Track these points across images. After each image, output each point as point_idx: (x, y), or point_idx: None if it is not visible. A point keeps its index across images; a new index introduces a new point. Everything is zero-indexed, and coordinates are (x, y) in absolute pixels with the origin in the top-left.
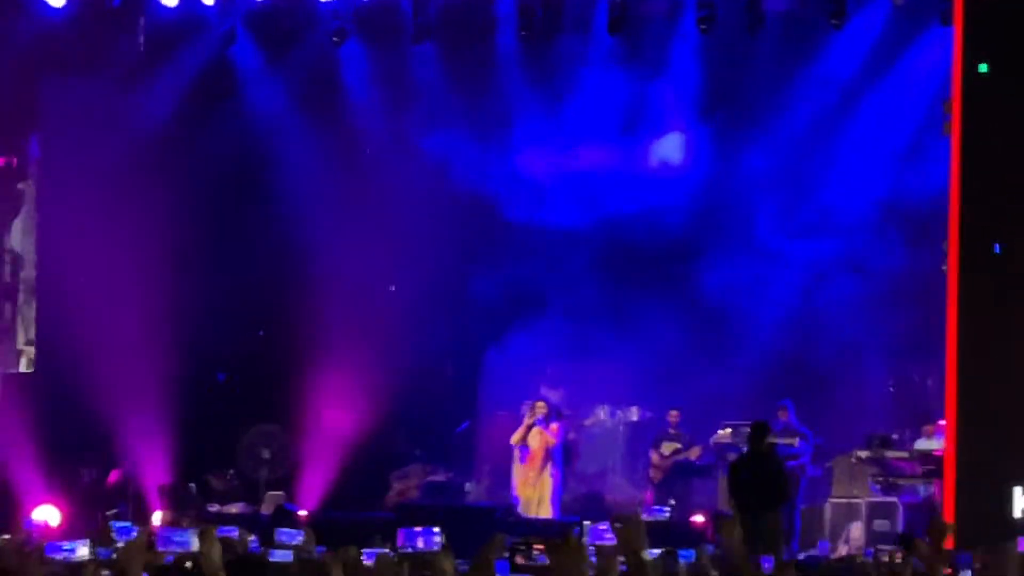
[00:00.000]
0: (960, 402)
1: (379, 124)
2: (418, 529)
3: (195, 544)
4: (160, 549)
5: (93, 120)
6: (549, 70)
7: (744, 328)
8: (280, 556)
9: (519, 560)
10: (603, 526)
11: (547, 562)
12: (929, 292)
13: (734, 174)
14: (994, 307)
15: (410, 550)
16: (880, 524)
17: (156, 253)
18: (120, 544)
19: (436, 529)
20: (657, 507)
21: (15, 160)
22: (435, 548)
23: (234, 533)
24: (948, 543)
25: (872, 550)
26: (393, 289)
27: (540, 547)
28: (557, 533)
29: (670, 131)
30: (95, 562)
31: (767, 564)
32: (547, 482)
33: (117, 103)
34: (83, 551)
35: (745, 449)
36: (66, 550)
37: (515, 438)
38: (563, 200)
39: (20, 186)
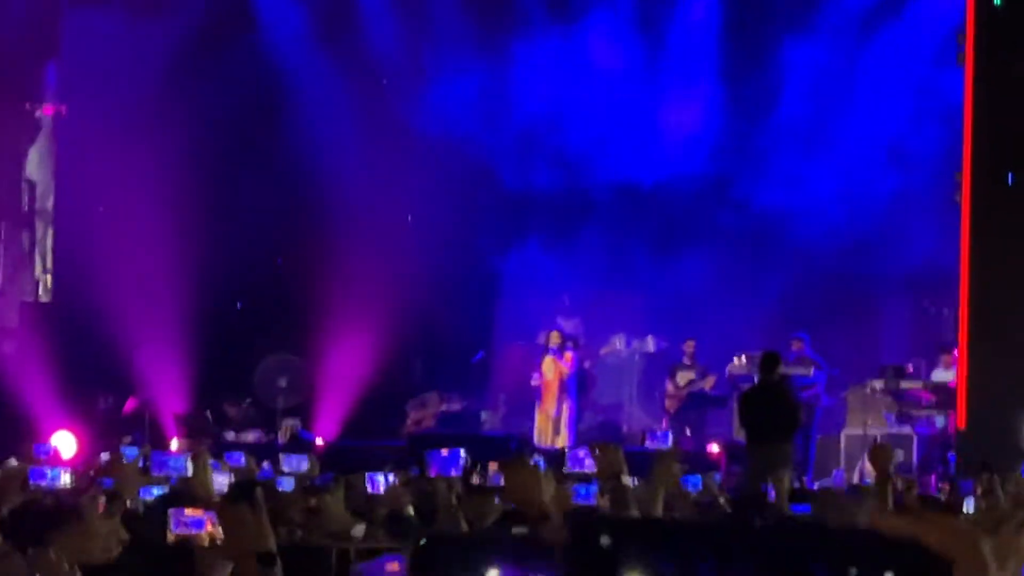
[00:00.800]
0: (971, 331)
1: (397, 54)
2: (444, 453)
3: (189, 468)
4: (155, 473)
5: (111, 49)
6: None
7: (760, 261)
8: (287, 484)
9: (475, 480)
10: (581, 452)
11: (502, 482)
12: (943, 222)
13: (754, 113)
14: (1006, 237)
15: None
16: (895, 455)
17: (174, 183)
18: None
19: (463, 452)
20: (661, 433)
21: (32, 88)
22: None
23: (242, 459)
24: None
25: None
26: (410, 219)
27: (495, 466)
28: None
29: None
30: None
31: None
32: (563, 412)
33: (135, 32)
34: (66, 478)
35: (757, 379)
36: (51, 477)
37: (534, 381)
38: (577, 137)
39: (37, 114)
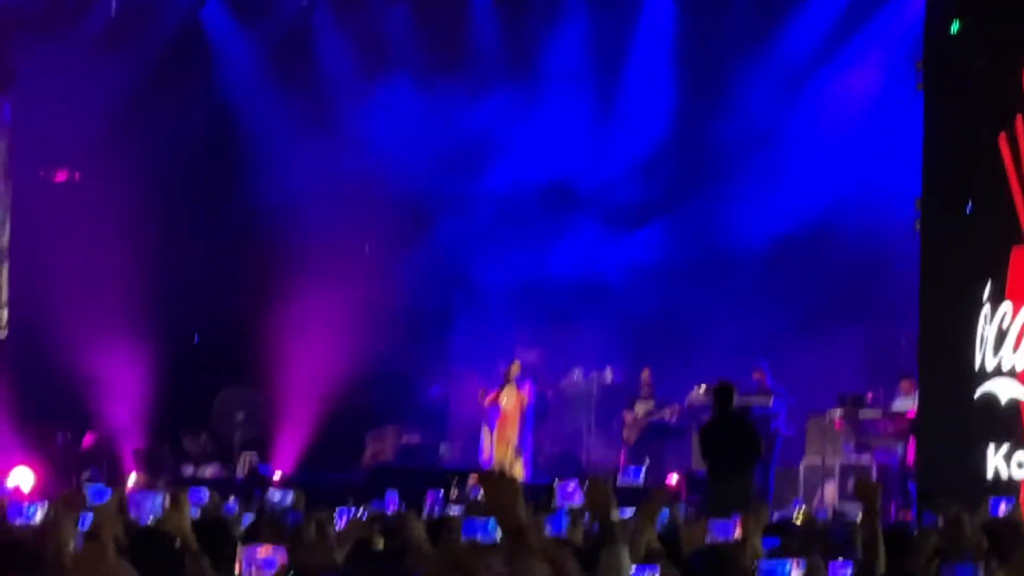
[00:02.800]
0: (926, 360)
1: (351, 87)
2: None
3: (166, 508)
4: (131, 513)
5: (65, 83)
6: (522, 32)
7: (718, 289)
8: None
9: (453, 494)
10: (570, 485)
11: (481, 496)
12: (904, 250)
13: (705, 135)
14: (963, 265)
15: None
16: (853, 484)
17: (130, 215)
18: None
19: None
20: (634, 468)
21: None
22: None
23: (205, 495)
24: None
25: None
26: (367, 251)
27: (475, 480)
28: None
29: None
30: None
31: (727, 528)
32: (521, 443)
33: (89, 66)
34: (40, 514)
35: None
36: (27, 514)
37: (488, 399)
38: (535, 159)
39: None
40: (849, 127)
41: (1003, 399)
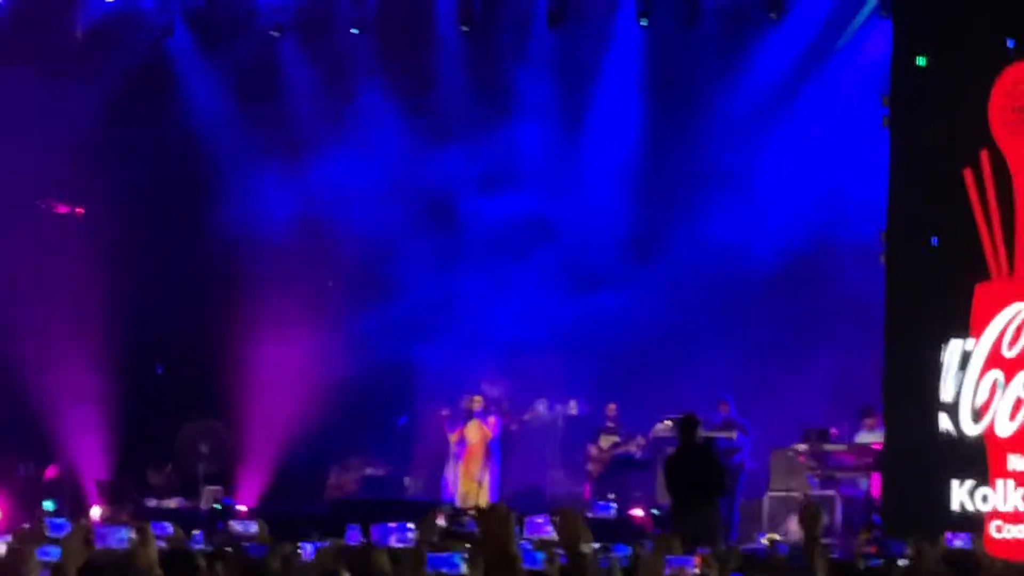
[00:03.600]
0: (893, 393)
1: (317, 117)
2: (392, 525)
3: (132, 541)
4: (98, 546)
5: (29, 111)
6: (489, 64)
7: (683, 322)
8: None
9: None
10: (539, 519)
11: (475, 529)
12: (868, 282)
13: (674, 167)
14: (928, 298)
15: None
16: (823, 515)
17: (92, 244)
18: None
19: (411, 525)
20: (603, 504)
21: None
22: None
23: (169, 529)
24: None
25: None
26: (331, 284)
27: (472, 513)
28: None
29: (611, 122)
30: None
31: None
32: (485, 476)
33: (53, 94)
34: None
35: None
36: None
37: (454, 437)
38: (501, 193)
39: None
40: (816, 159)
41: (967, 434)
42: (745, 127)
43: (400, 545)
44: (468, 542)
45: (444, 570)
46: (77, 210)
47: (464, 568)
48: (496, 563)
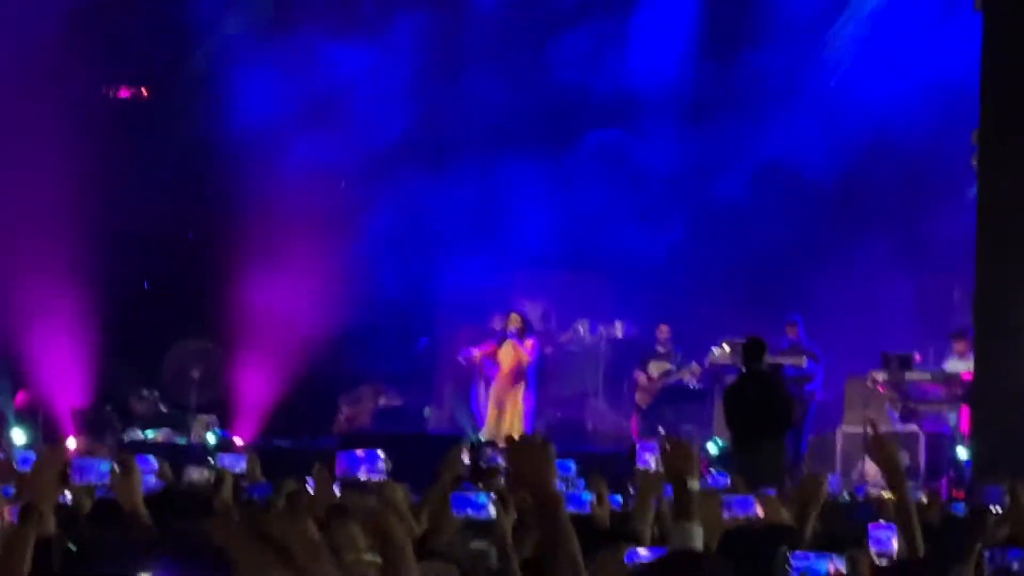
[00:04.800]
0: (985, 316)
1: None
2: (360, 453)
3: (113, 475)
4: (76, 481)
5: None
6: None
7: (746, 235)
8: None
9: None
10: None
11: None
12: (957, 191)
13: (739, 70)
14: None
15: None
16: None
17: (70, 146)
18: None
19: (381, 454)
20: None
21: None
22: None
23: (153, 463)
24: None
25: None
26: (343, 186)
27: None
28: None
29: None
30: None
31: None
32: (519, 406)
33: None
34: None
35: (742, 369)
36: None
37: (479, 354)
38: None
39: None
40: (900, 53)
41: None
42: (827, 18)
43: (371, 477)
44: (497, 479)
45: (470, 512)
46: (142, 91)
47: (493, 510)
48: (532, 506)
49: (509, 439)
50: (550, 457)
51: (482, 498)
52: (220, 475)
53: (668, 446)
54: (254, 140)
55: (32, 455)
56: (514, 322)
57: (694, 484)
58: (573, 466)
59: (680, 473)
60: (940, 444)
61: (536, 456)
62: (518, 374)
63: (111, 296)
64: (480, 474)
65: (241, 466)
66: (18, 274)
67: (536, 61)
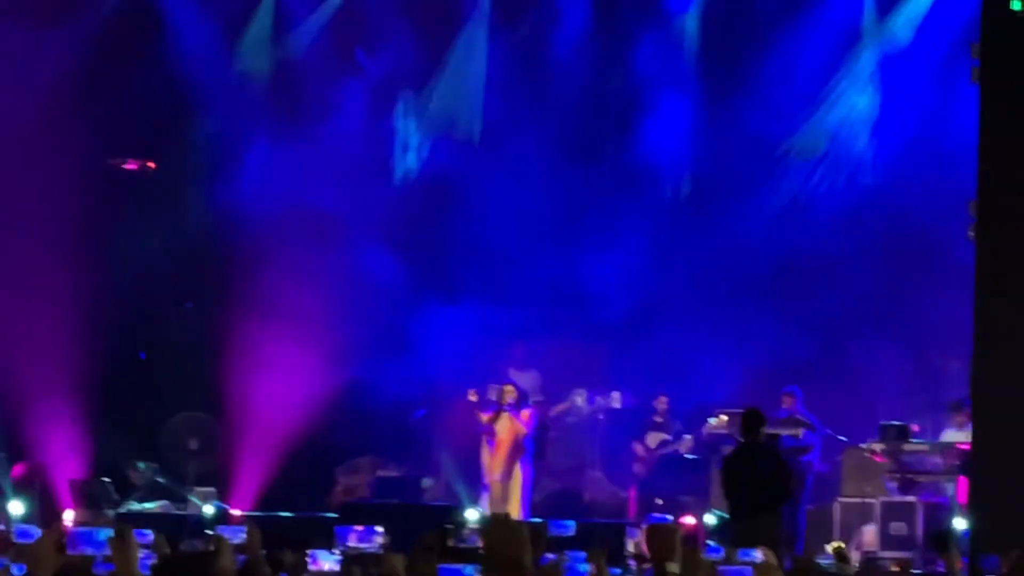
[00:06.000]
0: (983, 386)
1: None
2: (359, 528)
3: (111, 546)
4: (71, 552)
5: (5, 62)
6: None
7: (743, 306)
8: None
9: (450, 542)
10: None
11: (479, 543)
12: (953, 260)
13: (734, 130)
14: (1022, 280)
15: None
16: (896, 527)
17: (69, 215)
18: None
19: (379, 528)
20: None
21: None
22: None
23: (149, 537)
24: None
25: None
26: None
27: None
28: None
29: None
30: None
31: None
32: (516, 477)
33: (31, 42)
34: None
35: (739, 440)
36: None
37: (486, 417)
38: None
39: None
40: (895, 122)
41: None
42: (820, 81)
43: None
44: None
45: None
46: (149, 164)
47: None
48: None
49: (483, 521)
50: (522, 535)
51: (468, 570)
52: (220, 544)
53: (649, 531)
54: (252, 207)
55: (30, 527)
56: (509, 394)
57: (674, 568)
58: (573, 525)
59: (662, 558)
60: (938, 515)
61: (509, 535)
62: (516, 446)
63: (108, 368)
64: (455, 555)
65: (241, 537)
66: (15, 345)
67: None
